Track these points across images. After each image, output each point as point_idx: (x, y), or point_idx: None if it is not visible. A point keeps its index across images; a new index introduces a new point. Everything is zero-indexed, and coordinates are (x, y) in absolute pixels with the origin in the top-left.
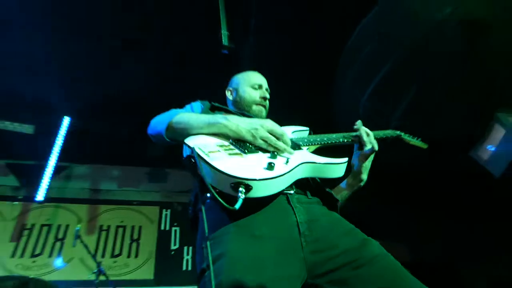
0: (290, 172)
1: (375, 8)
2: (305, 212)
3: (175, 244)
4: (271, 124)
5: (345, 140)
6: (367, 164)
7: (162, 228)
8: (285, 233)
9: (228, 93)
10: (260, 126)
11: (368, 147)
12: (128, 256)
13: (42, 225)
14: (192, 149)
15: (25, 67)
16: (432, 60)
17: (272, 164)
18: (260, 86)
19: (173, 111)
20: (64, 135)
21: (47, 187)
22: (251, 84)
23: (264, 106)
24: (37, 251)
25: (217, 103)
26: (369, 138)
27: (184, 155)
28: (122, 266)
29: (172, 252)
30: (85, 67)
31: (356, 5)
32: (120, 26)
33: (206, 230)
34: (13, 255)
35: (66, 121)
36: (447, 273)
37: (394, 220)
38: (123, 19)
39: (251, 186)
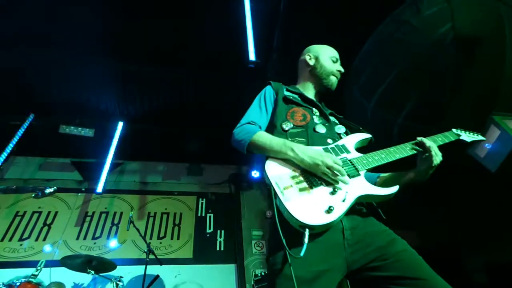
0: (346, 209)
1: (377, 29)
2: (350, 220)
3: (209, 228)
4: (331, 161)
5: (405, 155)
6: (431, 171)
7: (199, 214)
8: (334, 236)
9: (307, 57)
10: (321, 163)
11: (435, 161)
12: (171, 238)
13: (101, 213)
14: (270, 186)
15: (87, 78)
16: (431, 70)
17: (332, 208)
18: (337, 60)
19: (251, 128)
20: (119, 137)
21: (105, 180)
22: (331, 56)
23: (338, 79)
24: (97, 234)
25: (290, 88)
26: (434, 150)
27: (265, 175)
28: (167, 246)
29: (208, 235)
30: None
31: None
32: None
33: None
34: (77, 238)
35: (120, 125)
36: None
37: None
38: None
39: (313, 228)
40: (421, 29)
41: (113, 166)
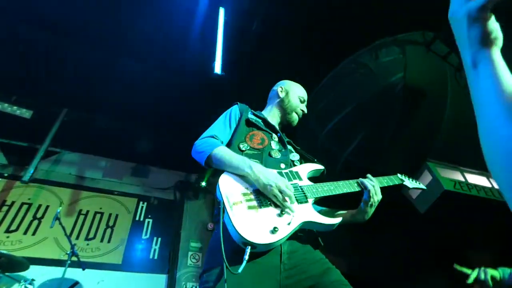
0: (290, 233)
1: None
2: (289, 244)
3: (146, 234)
4: (283, 185)
5: (351, 190)
6: (372, 209)
7: (137, 218)
8: (271, 259)
9: (279, 89)
10: (274, 184)
11: (372, 199)
12: (101, 241)
13: (23, 203)
14: (220, 200)
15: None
16: (379, 112)
17: (276, 229)
18: (304, 101)
19: (213, 142)
20: (60, 123)
21: (34, 168)
22: (299, 96)
23: (299, 118)
24: (13, 228)
25: (255, 112)
26: (374, 189)
27: (217, 188)
28: (94, 249)
29: (142, 241)
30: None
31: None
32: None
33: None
34: None
35: (64, 112)
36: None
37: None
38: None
39: (256, 246)
40: (377, 73)
41: (48, 154)
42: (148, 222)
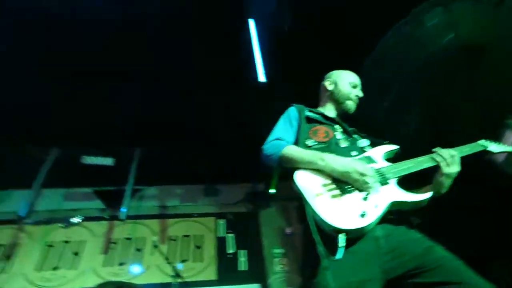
0: (380, 215)
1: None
2: (382, 228)
3: (231, 249)
4: (361, 168)
5: (430, 165)
6: (450, 182)
7: (219, 235)
8: (367, 246)
9: (327, 83)
10: (352, 169)
11: (445, 170)
12: (194, 261)
13: (125, 239)
14: (301, 195)
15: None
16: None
17: (364, 213)
18: (355, 86)
19: (280, 143)
20: (137, 163)
21: (126, 207)
22: (350, 82)
23: (355, 103)
24: (122, 261)
25: (312, 109)
26: (448, 161)
27: (295, 186)
28: (190, 269)
29: (230, 256)
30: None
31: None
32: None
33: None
34: (104, 265)
35: (137, 151)
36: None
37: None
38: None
39: (348, 232)
40: (424, 40)
41: (133, 192)
42: (230, 237)
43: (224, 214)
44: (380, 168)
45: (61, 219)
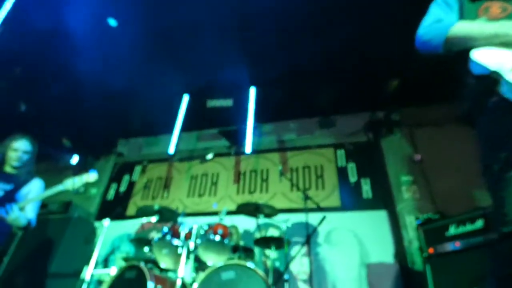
0: None
1: None
2: None
3: (353, 177)
4: None
5: None
6: None
7: (339, 165)
8: None
9: None
10: None
11: None
12: (317, 189)
13: (251, 171)
14: (491, 73)
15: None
16: None
17: None
18: None
19: (445, 23)
20: (254, 101)
21: (251, 143)
22: None
23: None
24: (252, 189)
25: None
26: None
27: (474, 68)
28: (313, 197)
29: (352, 184)
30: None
31: None
32: None
33: None
34: (237, 193)
35: (252, 90)
36: None
37: None
38: None
39: None
40: None
41: (253, 129)
42: (351, 166)
43: (343, 144)
44: None
45: (198, 156)
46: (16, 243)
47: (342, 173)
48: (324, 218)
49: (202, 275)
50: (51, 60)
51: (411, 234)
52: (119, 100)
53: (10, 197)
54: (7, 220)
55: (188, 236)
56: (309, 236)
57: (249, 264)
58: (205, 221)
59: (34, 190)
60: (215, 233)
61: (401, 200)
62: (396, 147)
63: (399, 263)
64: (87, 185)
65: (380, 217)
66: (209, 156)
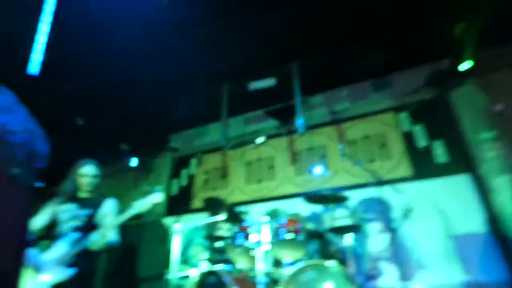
0: None
1: None
2: None
3: (422, 142)
4: None
5: None
6: None
7: (405, 130)
8: None
9: None
10: None
11: None
12: (382, 160)
13: (307, 149)
14: None
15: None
16: None
17: None
18: None
19: None
20: (298, 74)
21: (299, 120)
22: None
23: None
24: (310, 168)
25: None
26: None
27: None
28: (380, 169)
29: (422, 149)
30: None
31: None
32: None
33: None
34: (296, 174)
35: (294, 64)
36: None
37: None
38: None
39: None
40: None
41: (301, 104)
42: (418, 129)
43: (405, 105)
44: None
45: (249, 141)
46: (105, 259)
47: (408, 138)
48: (409, 209)
49: (284, 277)
50: (101, 68)
51: (502, 196)
52: (164, 96)
53: (91, 222)
54: (94, 248)
55: (259, 236)
56: (384, 212)
57: (329, 263)
58: (268, 207)
59: (110, 210)
60: (288, 231)
61: (483, 160)
62: (469, 100)
63: (493, 232)
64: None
65: (460, 182)
66: (260, 139)
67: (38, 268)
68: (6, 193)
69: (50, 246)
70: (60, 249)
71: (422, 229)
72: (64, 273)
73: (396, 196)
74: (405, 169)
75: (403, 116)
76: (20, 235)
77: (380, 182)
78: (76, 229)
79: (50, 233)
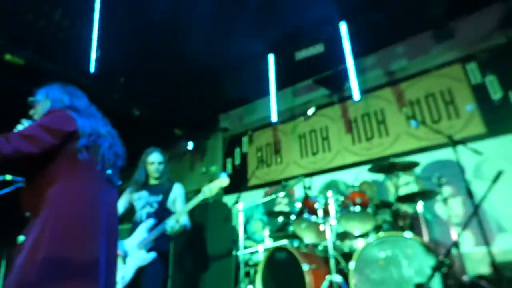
0: None
1: None
2: None
3: (495, 93)
4: None
5: None
6: None
7: (473, 82)
8: None
9: None
10: None
11: None
12: (449, 118)
13: (362, 115)
14: None
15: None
16: None
17: None
18: None
19: None
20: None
21: (353, 84)
22: None
23: None
24: (369, 135)
25: None
26: None
27: None
28: (448, 128)
29: (496, 102)
30: None
31: None
32: None
33: None
34: (353, 143)
35: (343, 26)
36: None
37: None
38: None
39: None
40: None
41: (354, 67)
42: (491, 80)
43: (473, 54)
44: None
45: (299, 113)
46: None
47: (479, 91)
48: (500, 173)
49: (355, 253)
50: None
51: None
52: (209, 75)
53: (164, 208)
54: (170, 233)
55: (325, 211)
56: (457, 175)
57: (407, 234)
58: (326, 179)
59: (179, 195)
60: (354, 204)
61: None
62: None
63: None
64: (210, 171)
65: None
66: (311, 111)
67: (124, 254)
68: (111, 193)
69: (128, 233)
70: (140, 235)
71: (500, 190)
72: (146, 258)
73: (470, 157)
74: (477, 126)
75: (472, 67)
76: (117, 226)
77: (450, 143)
78: (150, 215)
79: (129, 220)
